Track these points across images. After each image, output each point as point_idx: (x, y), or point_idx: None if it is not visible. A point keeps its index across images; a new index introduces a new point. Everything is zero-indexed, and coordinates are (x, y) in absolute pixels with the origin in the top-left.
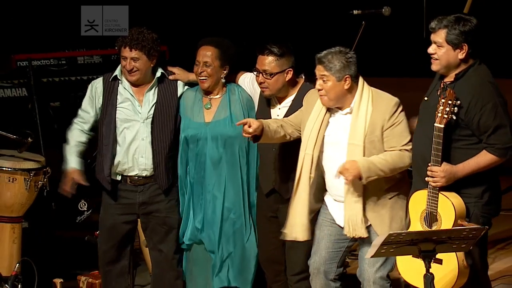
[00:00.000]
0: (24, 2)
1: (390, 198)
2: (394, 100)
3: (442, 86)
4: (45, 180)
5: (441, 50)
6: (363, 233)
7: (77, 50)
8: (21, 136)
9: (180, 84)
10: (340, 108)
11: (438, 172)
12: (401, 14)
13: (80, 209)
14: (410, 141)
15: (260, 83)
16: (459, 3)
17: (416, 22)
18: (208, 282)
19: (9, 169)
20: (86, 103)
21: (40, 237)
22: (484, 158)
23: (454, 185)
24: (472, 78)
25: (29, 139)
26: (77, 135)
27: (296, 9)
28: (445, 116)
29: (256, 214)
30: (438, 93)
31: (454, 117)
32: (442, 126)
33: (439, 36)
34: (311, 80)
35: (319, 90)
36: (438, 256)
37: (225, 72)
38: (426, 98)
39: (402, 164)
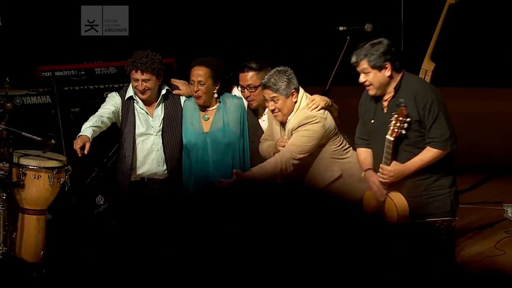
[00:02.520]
0: (26, 4)
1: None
2: (310, 115)
3: (397, 103)
4: (66, 177)
5: (370, 76)
6: None
7: (95, 62)
8: (45, 138)
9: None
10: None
11: (387, 171)
12: (381, 30)
13: (97, 203)
14: (301, 154)
15: (247, 97)
16: (433, 17)
17: (395, 37)
18: None
19: (35, 168)
20: (106, 105)
21: (62, 228)
22: (427, 154)
23: (426, 180)
24: (410, 83)
25: (52, 140)
26: (93, 120)
27: (287, 25)
28: (396, 130)
29: None
30: (385, 111)
31: (404, 132)
32: (392, 138)
33: (363, 65)
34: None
35: (272, 110)
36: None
37: (217, 87)
38: (372, 121)
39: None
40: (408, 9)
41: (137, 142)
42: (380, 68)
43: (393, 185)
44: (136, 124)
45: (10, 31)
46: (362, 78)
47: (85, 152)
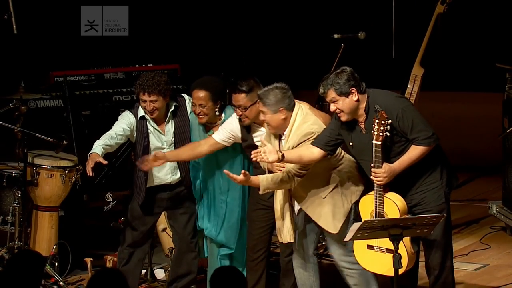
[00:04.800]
0: (27, 4)
1: (324, 198)
2: (309, 132)
3: (375, 109)
4: (77, 176)
5: (339, 103)
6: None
7: (104, 68)
8: (58, 139)
9: (188, 106)
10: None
11: (380, 173)
12: (374, 37)
13: (107, 200)
14: (304, 170)
15: (239, 116)
16: (423, 25)
17: (386, 44)
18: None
19: (48, 167)
20: (120, 123)
21: (73, 224)
22: (414, 152)
23: (418, 179)
24: (376, 101)
25: (64, 141)
26: (106, 138)
27: (288, 33)
28: (381, 134)
29: (248, 205)
30: (364, 132)
31: (388, 134)
32: (379, 143)
33: (331, 95)
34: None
35: (263, 122)
36: (389, 247)
37: (218, 106)
38: (351, 144)
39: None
40: (399, 18)
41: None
42: (347, 94)
43: (388, 186)
44: (150, 140)
45: (24, 38)
46: (332, 107)
47: (102, 161)
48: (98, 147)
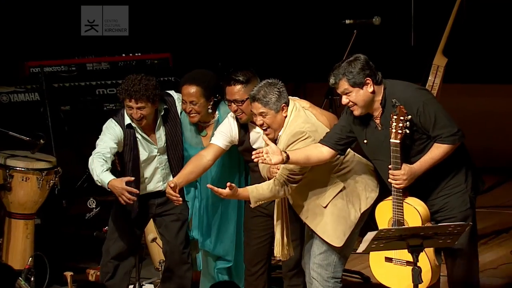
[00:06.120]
0: (26, 4)
1: (325, 206)
2: (298, 132)
3: (392, 103)
4: (56, 179)
5: (352, 96)
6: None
7: (86, 57)
8: (34, 137)
9: (178, 106)
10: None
11: (399, 175)
12: (390, 23)
13: (89, 206)
14: (298, 175)
15: (234, 112)
16: (446, 10)
17: (404, 31)
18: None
19: (23, 169)
20: (107, 139)
21: (51, 233)
22: (437, 151)
23: (440, 181)
24: (394, 93)
25: (41, 140)
26: (101, 163)
27: (292, 18)
28: (399, 131)
29: (244, 211)
30: (380, 129)
31: (408, 131)
32: (398, 141)
33: (343, 86)
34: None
35: (261, 125)
36: (410, 259)
37: (211, 103)
38: (365, 141)
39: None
40: (419, 0)
41: (142, 167)
42: (361, 84)
43: (407, 190)
44: (140, 151)
45: None
46: (344, 100)
47: (129, 179)
48: (107, 174)
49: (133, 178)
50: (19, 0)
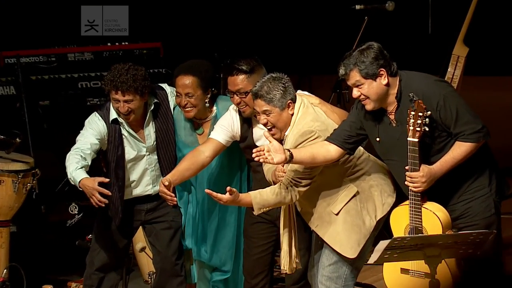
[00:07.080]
0: (26, 4)
1: (336, 214)
2: (307, 131)
3: (409, 97)
4: (34, 182)
5: (364, 88)
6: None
7: (67, 46)
8: (9, 136)
9: (171, 100)
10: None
11: (418, 177)
12: (405, 9)
13: (71, 212)
14: (306, 180)
15: (237, 104)
16: None
17: (421, 18)
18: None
19: None
20: (88, 134)
21: (29, 242)
22: (459, 149)
23: (462, 184)
24: (411, 86)
25: (17, 139)
26: (77, 159)
27: (298, 5)
28: (418, 129)
29: (245, 217)
30: (395, 125)
31: (427, 129)
32: (416, 140)
33: (354, 77)
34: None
35: (265, 124)
36: (429, 270)
37: (209, 96)
38: (378, 139)
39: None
40: None
41: (128, 168)
42: (374, 76)
43: (425, 194)
44: (126, 150)
45: None
46: (355, 93)
47: (103, 180)
48: (81, 172)
49: (107, 180)
50: (20, 0)
